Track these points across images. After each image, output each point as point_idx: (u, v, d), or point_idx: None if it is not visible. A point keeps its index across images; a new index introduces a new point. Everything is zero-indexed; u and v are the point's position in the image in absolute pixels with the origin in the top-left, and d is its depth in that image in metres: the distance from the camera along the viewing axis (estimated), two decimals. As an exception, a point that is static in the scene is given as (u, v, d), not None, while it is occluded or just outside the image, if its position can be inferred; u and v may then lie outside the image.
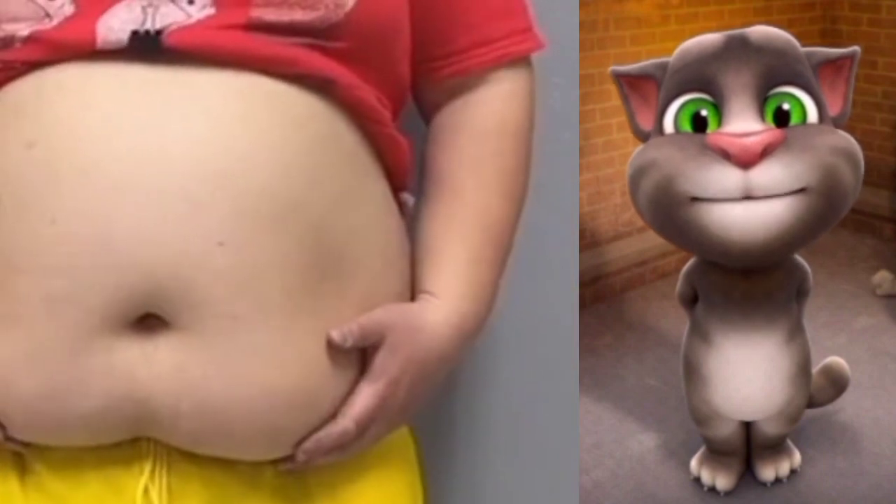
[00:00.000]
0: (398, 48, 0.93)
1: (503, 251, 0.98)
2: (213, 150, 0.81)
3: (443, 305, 0.93)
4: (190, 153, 0.80)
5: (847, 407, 1.64)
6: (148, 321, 0.81)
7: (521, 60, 0.99)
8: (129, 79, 0.81)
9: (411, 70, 0.96)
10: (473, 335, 0.95)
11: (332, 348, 0.85)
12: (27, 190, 0.80)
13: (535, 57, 1.03)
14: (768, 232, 1.18)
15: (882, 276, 2.20)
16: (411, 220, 0.98)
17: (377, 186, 0.92)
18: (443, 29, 0.96)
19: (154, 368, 0.81)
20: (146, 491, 0.86)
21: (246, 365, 0.82)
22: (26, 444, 0.86)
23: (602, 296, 2.23)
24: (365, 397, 0.87)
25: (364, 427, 0.88)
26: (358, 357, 0.88)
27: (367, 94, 0.89)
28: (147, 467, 0.86)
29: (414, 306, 0.93)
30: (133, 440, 0.86)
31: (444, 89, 0.98)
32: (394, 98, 0.94)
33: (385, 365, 0.88)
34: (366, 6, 0.86)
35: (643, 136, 1.28)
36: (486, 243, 0.96)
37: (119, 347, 0.81)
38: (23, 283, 0.80)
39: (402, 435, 0.98)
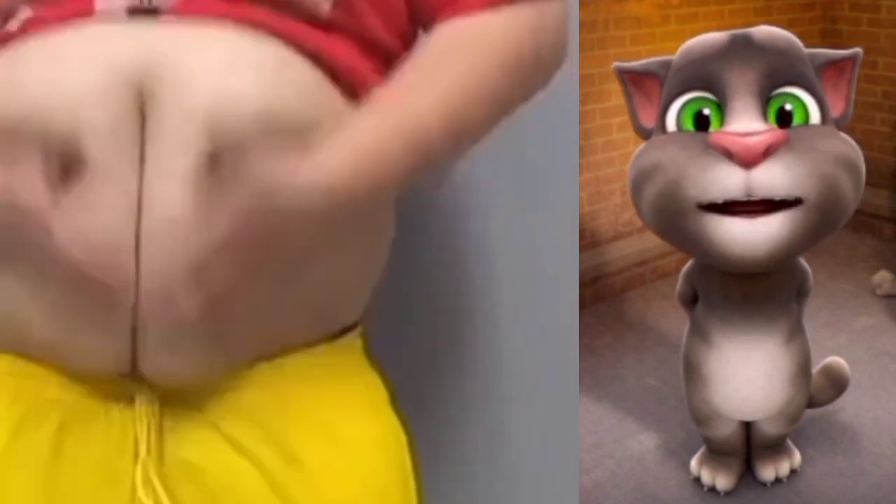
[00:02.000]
0: (394, 18, 0.94)
1: (414, 145, 0.87)
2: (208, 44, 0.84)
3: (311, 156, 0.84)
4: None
5: (847, 407, 1.64)
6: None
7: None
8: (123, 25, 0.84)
9: (411, 21, 0.95)
10: (338, 196, 0.84)
11: None
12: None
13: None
14: (769, 246, 1.18)
15: (882, 276, 2.20)
16: None
17: None
18: None
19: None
20: (143, 465, 0.88)
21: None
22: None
23: (602, 296, 2.23)
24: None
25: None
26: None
27: (363, 69, 0.90)
28: (142, 450, 0.88)
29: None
30: (123, 417, 0.88)
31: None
32: (390, 63, 0.93)
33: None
34: None
35: (645, 134, 1.28)
36: (391, 127, 0.87)
37: None
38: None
39: (396, 430, 0.98)
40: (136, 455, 0.88)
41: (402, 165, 0.87)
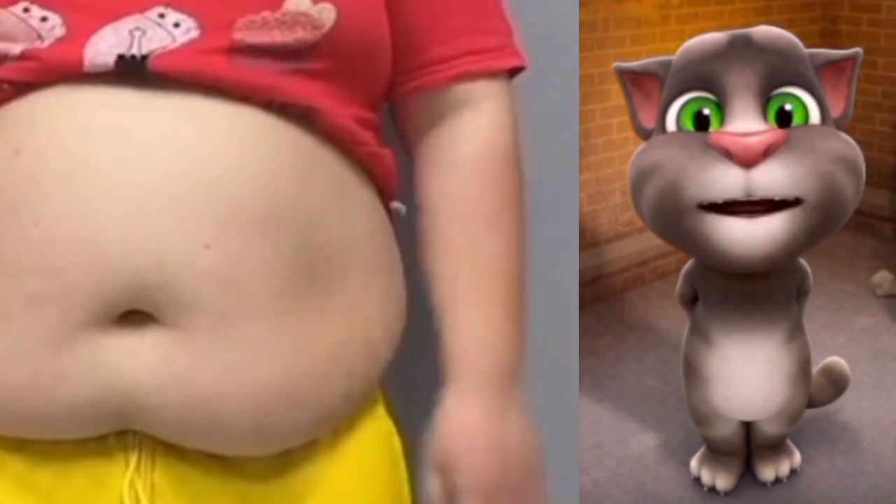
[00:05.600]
0: (380, 64, 0.94)
1: (518, 298, 0.98)
2: (199, 157, 0.82)
3: (475, 394, 0.95)
4: (175, 160, 0.82)
5: (847, 407, 1.65)
6: (134, 316, 0.82)
7: (493, 79, 0.99)
8: (116, 96, 0.83)
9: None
10: (511, 380, 0.97)
11: (322, 347, 0.86)
12: (14, 194, 0.82)
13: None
14: (769, 246, 1.18)
15: (882, 276, 2.20)
16: (420, 239, 1.00)
17: (363, 195, 0.93)
18: (411, 44, 0.97)
19: (140, 361, 0.82)
20: (132, 484, 0.86)
21: (232, 360, 0.83)
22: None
23: (602, 296, 2.23)
24: None
25: None
26: (347, 358, 0.89)
27: (348, 119, 0.90)
28: (133, 461, 0.86)
29: (455, 419, 0.96)
30: (118, 435, 0.86)
31: (415, 108, 0.99)
32: (378, 111, 0.96)
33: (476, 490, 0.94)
34: (343, 27, 0.87)
35: (645, 134, 1.29)
36: (499, 296, 0.97)
37: (104, 341, 0.82)
38: (6, 283, 0.82)
39: (388, 433, 0.98)
40: (126, 464, 0.87)
41: (521, 311, 0.98)
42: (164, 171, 0.81)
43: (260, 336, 0.83)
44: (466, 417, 0.95)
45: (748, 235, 1.18)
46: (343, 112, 0.89)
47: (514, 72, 1.01)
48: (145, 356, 0.82)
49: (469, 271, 0.97)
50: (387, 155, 0.95)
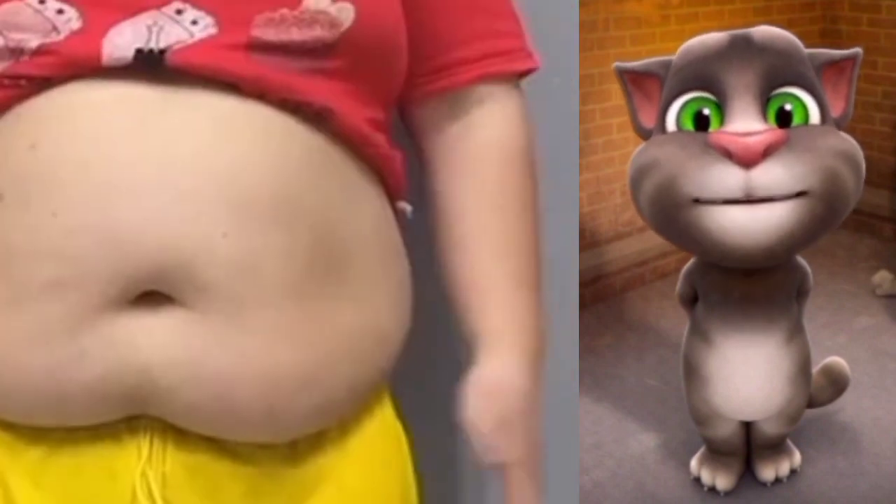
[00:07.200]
0: (396, 65, 0.95)
1: (538, 273, 1.02)
2: (215, 149, 0.83)
3: (508, 355, 0.99)
4: (191, 151, 0.83)
5: (847, 407, 1.65)
6: (152, 296, 0.83)
7: (508, 81, 1.01)
8: (133, 90, 0.84)
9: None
10: (541, 359, 1.01)
11: (334, 335, 0.88)
12: (30, 187, 0.83)
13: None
14: (769, 235, 1.18)
15: (882, 276, 2.20)
16: (443, 240, 1.02)
17: (373, 194, 0.94)
18: (430, 47, 0.98)
19: (156, 337, 0.83)
20: (143, 475, 0.87)
21: (247, 344, 0.84)
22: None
23: (602, 296, 2.23)
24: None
25: None
26: (358, 346, 0.90)
27: (360, 122, 0.91)
28: (144, 452, 0.87)
29: (489, 374, 0.98)
30: (130, 427, 0.87)
31: (432, 108, 1.01)
32: (390, 111, 0.97)
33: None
34: (361, 27, 0.88)
35: (645, 134, 1.29)
36: (524, 272, 1.00)
37: (121, 321, 0.83)
38: (24, 270, 0.82)
39: (396, 434, 0.99)
40: (138, 455, 0.87)
41: (540, 287, 1.02)
42: (181, 163, 0.82)
43: (275, 322, 0.84)
44: (513, 383, 0.98)
45: (749, 223, 1.18)
46: (357, 114, 0.90)
47: (527, 73, 1.03)
48: (162, 334, 0.83)
49: (494, 251, 0.99)
50: (397, 157, 0.96)
